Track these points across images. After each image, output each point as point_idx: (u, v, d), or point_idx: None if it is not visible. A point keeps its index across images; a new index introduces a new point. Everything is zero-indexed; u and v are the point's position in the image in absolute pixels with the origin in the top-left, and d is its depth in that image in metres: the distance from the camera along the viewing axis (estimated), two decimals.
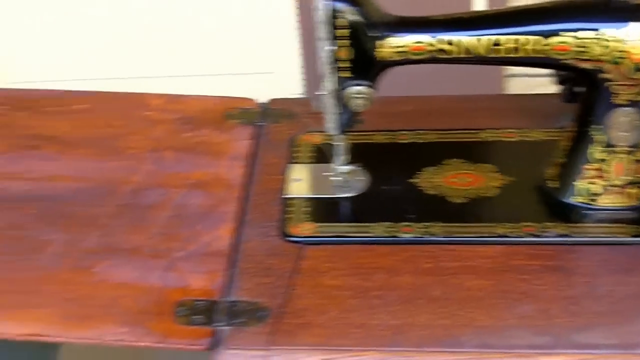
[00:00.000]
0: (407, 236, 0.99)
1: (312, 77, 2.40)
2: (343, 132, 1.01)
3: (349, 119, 1.00)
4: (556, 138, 1.08)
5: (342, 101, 0.98)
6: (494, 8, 2.05)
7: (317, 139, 1.15)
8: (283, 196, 1.06)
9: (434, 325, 0.88)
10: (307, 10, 2.29)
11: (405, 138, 1.14)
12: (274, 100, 1.25)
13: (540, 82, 2.11)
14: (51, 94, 1.29)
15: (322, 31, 0.93)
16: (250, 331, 0.89)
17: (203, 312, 0.91)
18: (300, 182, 1.08)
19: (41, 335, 0.91)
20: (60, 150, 1.17)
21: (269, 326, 0.89)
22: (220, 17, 2.39)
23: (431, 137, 1.14)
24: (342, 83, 0.97)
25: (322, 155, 1.11)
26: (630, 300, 0.90)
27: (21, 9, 2.44)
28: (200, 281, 0.95)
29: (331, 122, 1.00)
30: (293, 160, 1.12)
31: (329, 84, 0.97)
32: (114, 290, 0.95)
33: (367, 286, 0.93)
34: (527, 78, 2.16)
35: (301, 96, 2.40)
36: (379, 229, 1.00)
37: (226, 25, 2.40)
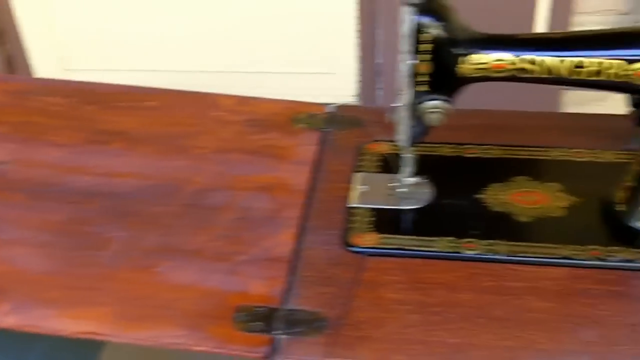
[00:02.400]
0: (470, 253, 0.98)
1: (366, 80, 2.42)
2: (413, 144, 1.00)
3: (422, 133, 0.99)
4: (626, 160, 1.06)
5: (416, 115, 0.97)
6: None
7: (383, 148, 1.14)
8: (347, 205, 1.05)
9: (494, 346, 0.87)
10: (367, 16, 2.30)
11: (472, 152, 1.13)
12: (341, 107, 1.25)
13: (597, 96, 2.10)
14: (121, 89, 1.30)
15: (405, 44, 0.92)
16: (308, 341, 0.89)
17: (262, 319, 0.91)
18: (364, 191, 1.07)
19: (96, 334, 0.91)
20: (126, 146, 1.18)
21: (326, 337, 0.89)
22: (284, 17, 2.41)
23: (498, 153, 1.13)
24: (419, 97, 0.96)
25: (388, 165, 1.11)
26: None
27: None
28: (260, 287, 0.95)
29: (403, 134, 0.99)
30: (358, 168, 1.11)
31: (405, 97, 0.96)
32: (174, 292, 0.95)
33: (427, 302, 0.92)
34: (583, 91, 2.14)
35: (356, 99, 2.42)
36: (441, 244, 0.99)
37: (288, 24, 2.42)
